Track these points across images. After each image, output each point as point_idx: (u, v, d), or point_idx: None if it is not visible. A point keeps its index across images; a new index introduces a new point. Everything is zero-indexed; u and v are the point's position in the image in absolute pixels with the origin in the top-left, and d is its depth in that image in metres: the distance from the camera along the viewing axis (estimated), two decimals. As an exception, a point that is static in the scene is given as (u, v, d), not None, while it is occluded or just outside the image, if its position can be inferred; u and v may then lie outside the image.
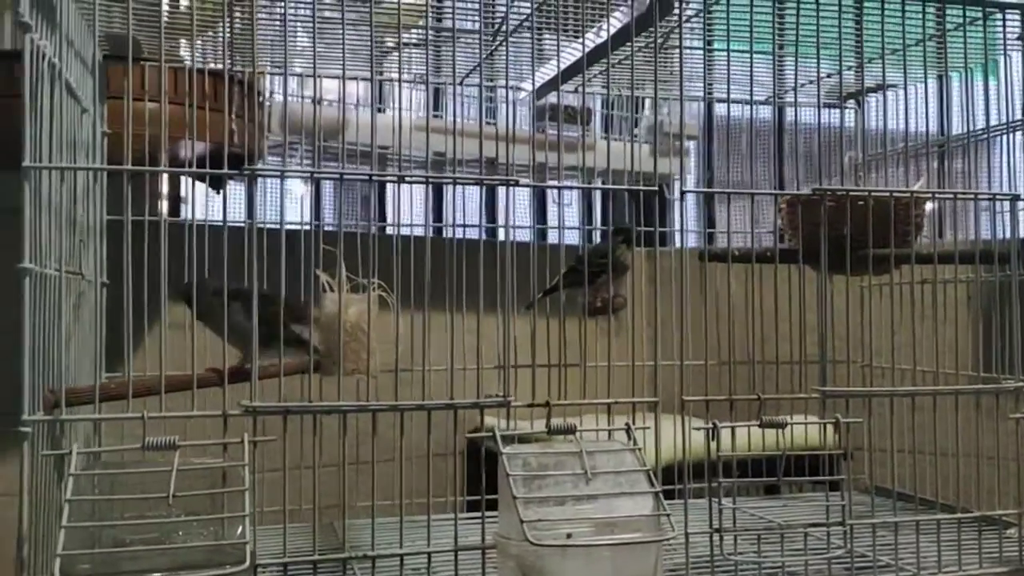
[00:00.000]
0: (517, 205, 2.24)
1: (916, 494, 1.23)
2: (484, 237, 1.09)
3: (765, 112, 2.13)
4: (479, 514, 1.07)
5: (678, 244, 2.00)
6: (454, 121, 1.21)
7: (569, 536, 0.96)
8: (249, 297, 1.01)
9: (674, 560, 1.14)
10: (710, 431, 1.10)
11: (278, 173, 1.08)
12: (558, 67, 1.28)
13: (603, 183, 2.31)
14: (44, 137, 0.99)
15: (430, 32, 1.57)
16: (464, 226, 1.47)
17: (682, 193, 1.26)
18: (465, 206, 1.86)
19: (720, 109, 2.28)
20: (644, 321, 1.16)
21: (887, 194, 1.25)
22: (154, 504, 0.90)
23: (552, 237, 2.12)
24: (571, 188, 1.17)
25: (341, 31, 1.12)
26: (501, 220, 2.23)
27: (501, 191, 1.73)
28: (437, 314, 1.11)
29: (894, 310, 1.32)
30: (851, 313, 1.24)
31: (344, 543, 1.06)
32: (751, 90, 1.24)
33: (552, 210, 2.28)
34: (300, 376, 1.13)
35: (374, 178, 1.07)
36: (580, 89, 1.29)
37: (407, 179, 1.08)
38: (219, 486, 0.94)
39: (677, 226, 2.19)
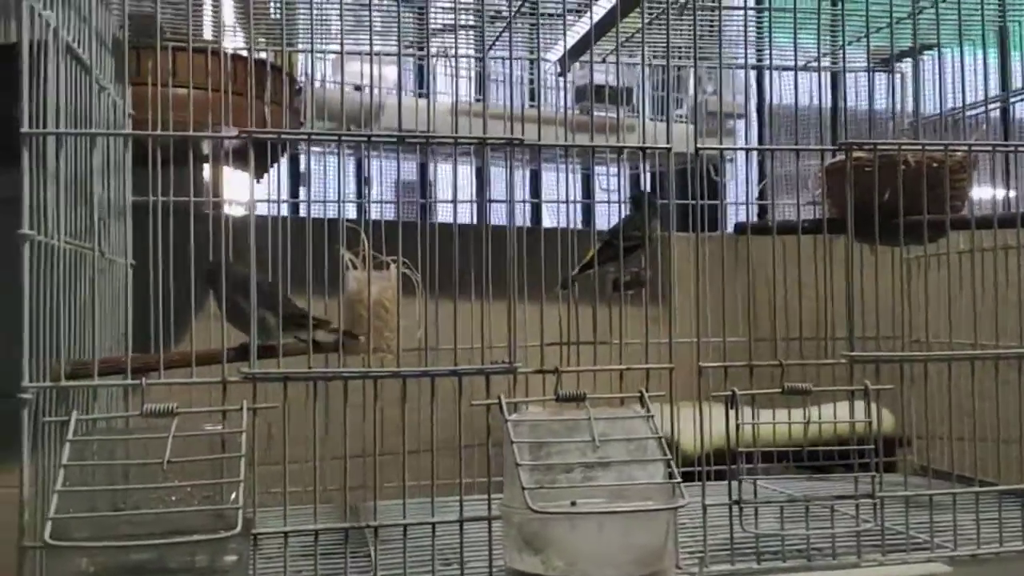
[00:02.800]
0: (564, 191, 2.20)
1: (953, 471, 1.16)
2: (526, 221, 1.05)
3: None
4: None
5: (730, 217, 1.94)
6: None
7: (573, 504, 0.93)
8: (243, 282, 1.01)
9: (695, 537, 1.09)
10: (729, 399, 1.05)
11: (335, 137, 1.09)
12: (563, 28, 1.24)
13: (649, 166, 2.27)
14: (50, 106, 0.99)
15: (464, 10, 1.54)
16: (491, 201, 1.43)
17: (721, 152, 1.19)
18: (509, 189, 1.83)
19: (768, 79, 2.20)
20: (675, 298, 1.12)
21: (920, 152, 1.18)
22: (152, 472, 0.89)
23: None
24: (572, 147, 1.13)
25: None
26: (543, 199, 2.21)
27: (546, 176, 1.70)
28: (462, 299, 1.09)
29: (926, 281, 1.24)
30: (894, 287, 1.17)
31: (346, 514, 1.04)
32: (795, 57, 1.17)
33: (599, 196, 2.24)
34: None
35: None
36: (590, 58, 1.25)
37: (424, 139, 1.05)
38: (218, 454, 0.93)
39: (731, 198, 2.13)
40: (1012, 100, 1.49)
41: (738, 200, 1.99)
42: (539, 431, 0.98)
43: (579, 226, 1.88)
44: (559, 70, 1.88)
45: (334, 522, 1.08)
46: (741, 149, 1.17)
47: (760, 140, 2.43)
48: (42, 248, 0.97)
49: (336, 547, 1.05)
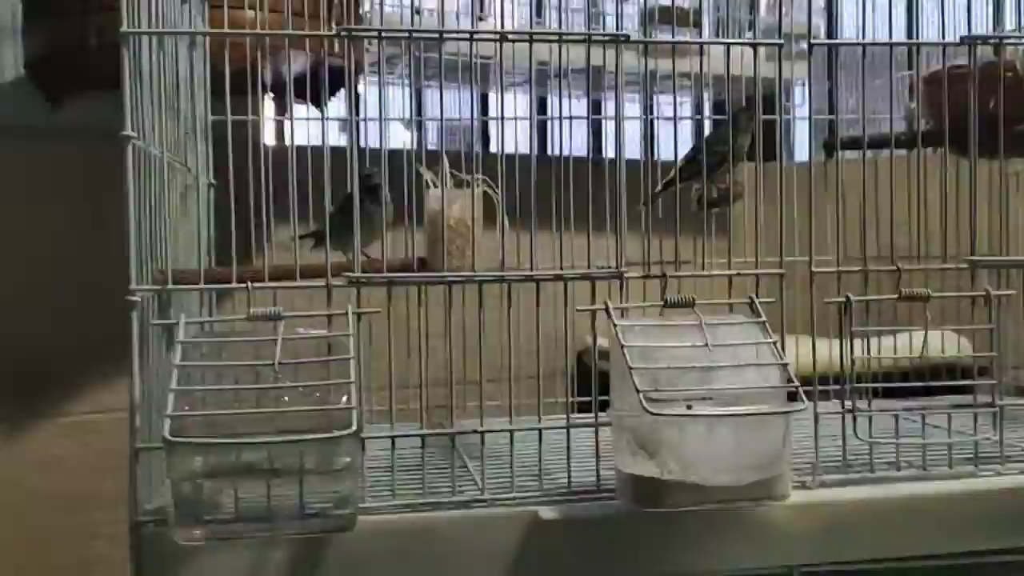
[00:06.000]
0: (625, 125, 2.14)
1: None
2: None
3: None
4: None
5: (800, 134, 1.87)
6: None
7: (689, 408, 0.90)
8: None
9: (807, 447, 1.05)
10: (843, 306, 1.01)
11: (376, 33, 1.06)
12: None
13: (716, 93, 2.21)
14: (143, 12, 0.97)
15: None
16: (567, 118, 1.39)
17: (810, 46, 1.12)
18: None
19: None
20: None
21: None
22: (261, 373, 0.88)
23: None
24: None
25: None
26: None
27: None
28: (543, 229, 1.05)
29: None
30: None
31: (452, 421, 1.02)
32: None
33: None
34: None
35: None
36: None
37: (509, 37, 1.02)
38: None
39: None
40: None
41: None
42: (649, 336, 0.95)
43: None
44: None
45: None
46: (851, 44, 1.10)
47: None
48: (140, 153, 0.96)
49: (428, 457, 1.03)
